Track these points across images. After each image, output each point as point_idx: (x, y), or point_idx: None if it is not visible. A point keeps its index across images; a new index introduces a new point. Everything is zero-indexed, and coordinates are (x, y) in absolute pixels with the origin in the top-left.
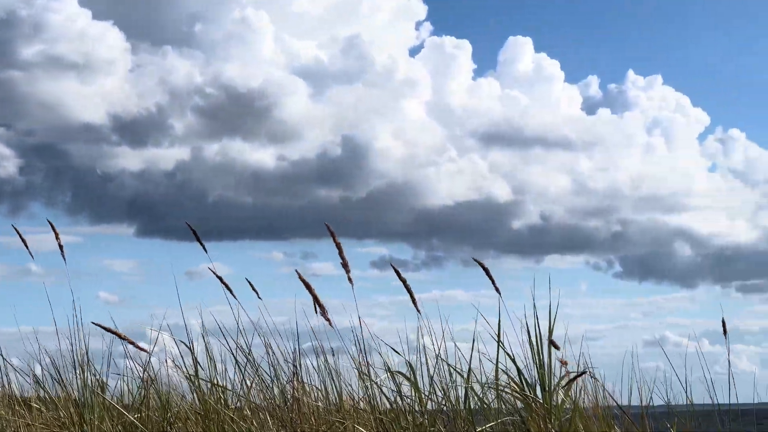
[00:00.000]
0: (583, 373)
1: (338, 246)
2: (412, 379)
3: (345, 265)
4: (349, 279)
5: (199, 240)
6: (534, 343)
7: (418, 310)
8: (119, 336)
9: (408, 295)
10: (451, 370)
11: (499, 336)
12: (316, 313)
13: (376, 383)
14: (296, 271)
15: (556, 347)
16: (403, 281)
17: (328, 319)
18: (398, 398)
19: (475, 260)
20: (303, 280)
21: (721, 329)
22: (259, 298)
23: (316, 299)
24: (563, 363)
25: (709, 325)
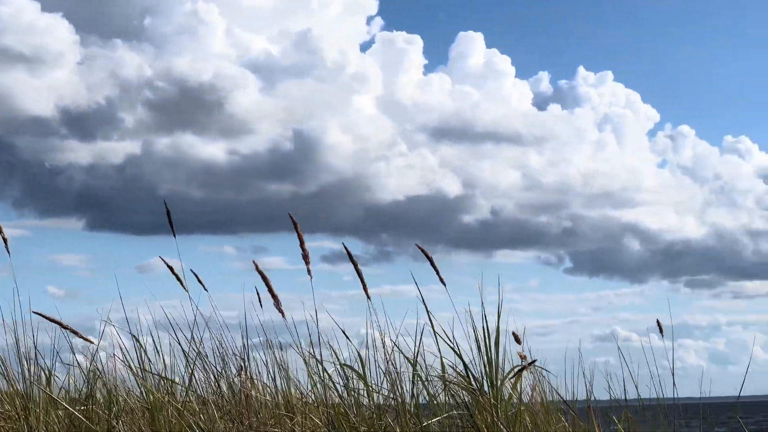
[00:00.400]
0: (531, 363)
1: (300, 237)
2: (361, 372)
3: (305, 257)
4: (309, 271)
5: (170, 223)
6: (481, 337)
7: (368, 296)
8: (61, 325)
9: (359, 289)
10: (402, 359)
11: (434, 330)
12: (261, 307)
13: (327, 374)
14: (254, 262)
15: (518, 341)
16: (355, 264)
17: (281, 311)
18: (346, 392)
19: (418, 247)
20: (260, 272)
21: (670, 324)
22: (206, 290)
23: (271, 291)
24: (522, 357)
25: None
